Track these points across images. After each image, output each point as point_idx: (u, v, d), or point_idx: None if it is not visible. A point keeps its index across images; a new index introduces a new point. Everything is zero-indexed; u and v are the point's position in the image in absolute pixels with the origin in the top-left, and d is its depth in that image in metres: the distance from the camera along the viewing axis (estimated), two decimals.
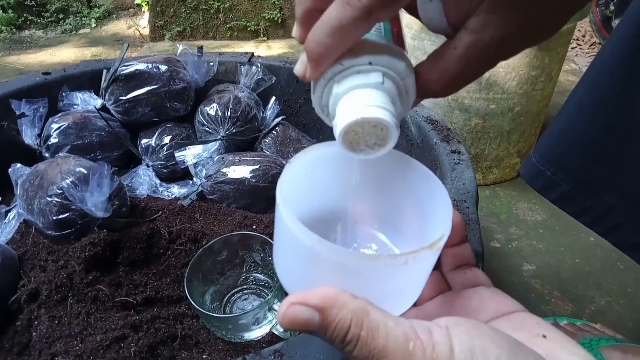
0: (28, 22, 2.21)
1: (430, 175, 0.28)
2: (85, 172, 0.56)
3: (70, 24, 2.18)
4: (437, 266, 0.30)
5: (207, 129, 0.73)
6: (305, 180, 0.29)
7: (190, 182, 0.71)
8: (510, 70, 0.89)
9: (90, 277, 0.50)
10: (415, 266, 0.24)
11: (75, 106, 0.73)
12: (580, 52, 1.85)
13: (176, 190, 0.69)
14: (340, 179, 0.30)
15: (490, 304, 0.27)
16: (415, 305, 0.29)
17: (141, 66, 0.71)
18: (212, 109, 0.73)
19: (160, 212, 0.61)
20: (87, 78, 0.76)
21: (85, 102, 0.73)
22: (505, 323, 0.26)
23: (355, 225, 0.32)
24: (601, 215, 0.44)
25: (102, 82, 0.72)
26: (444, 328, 0.20)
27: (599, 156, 0.42)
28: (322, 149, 0.29)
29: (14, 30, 2.14)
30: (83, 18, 2.23)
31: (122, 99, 0.71)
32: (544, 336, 0.24)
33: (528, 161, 0.49)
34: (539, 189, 0.47)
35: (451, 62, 0.24)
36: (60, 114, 0.70)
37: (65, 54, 1.87)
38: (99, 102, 0.73)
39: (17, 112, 0.67)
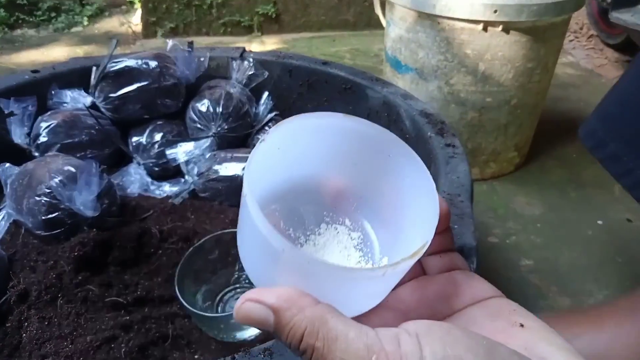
0: (20, 21, 2.19)
1: (417, 161, 0.26)
2: (73, 170, 0.55)
3: (62, 22, 2.16)
4: None
5: (199, 126, 0.72)
6: (277, 152, 0.26)
7: (182, 180, 0.70)
8: (506, 63, 0.88)
9: (80, 278, 0.50)
10: (393, 276, 0.23)
11: (65, 104, 0.72)
12: (578, 45, 1.84)
13: (168, 188, 0.68)
14: (316, 150, 0.28)
15: (465, 290, 0.26)
16: None
17: (131, 62, 0.70)
18: (203, 105, 0.72)
19: (151, 211, 0.60)
20: (76, 76, 0.75)
21: (75, 100, 0.72)
22: (481, 310, 0.25)
23: (329, 199, 0.30)
24: None
25: (92, 79, 0.71)
26: (414, 336, 0.19)
27: None
28: (297, 121, 0.26)
29: (6, 29, 2.12)
30: (75, 16, 2.21)
31: (111, 96, 0.70)
32: (522, 325, 0.23)
33: (587, 120, 0.49)
34: (590, 147, 0.48)
35: None
36: (49, 113, 0.69)
37: (57, 53, 1.86)
38: (88, 99, 0.72)
39: (6, 111, 0.66)
